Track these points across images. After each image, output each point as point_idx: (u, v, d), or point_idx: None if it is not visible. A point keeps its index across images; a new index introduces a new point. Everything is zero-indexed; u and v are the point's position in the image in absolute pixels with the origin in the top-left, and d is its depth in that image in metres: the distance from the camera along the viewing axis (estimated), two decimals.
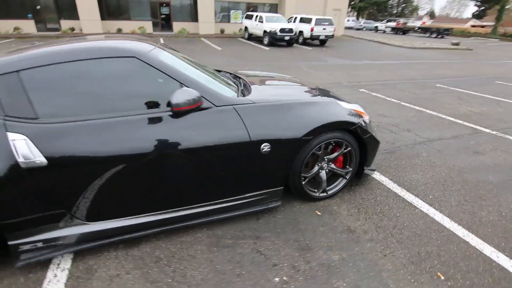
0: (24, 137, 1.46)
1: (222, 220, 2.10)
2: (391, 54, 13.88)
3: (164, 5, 19.11)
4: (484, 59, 13.70)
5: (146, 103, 1.72)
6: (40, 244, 1.64)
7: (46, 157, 1.48)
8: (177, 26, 19.46)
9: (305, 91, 2.54)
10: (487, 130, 4.25)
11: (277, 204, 2.19)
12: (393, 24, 32.24)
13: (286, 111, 2.03)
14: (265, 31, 15.19)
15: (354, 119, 2.24)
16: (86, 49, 1.66)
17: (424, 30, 29.90)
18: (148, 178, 1.73)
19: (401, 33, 31.05)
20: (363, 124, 2.31)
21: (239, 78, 2.66)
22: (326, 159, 2.32)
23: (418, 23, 45.13)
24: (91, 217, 1.72)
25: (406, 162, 3.18)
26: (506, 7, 30.63)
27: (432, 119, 4.65)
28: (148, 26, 18.72)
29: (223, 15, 20.75)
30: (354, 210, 2.32)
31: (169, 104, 1.68)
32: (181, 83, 1.75)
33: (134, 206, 1.79)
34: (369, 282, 1.69)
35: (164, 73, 1.73)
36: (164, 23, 19.52)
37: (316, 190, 2.36)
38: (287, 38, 14.90)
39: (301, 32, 16.23)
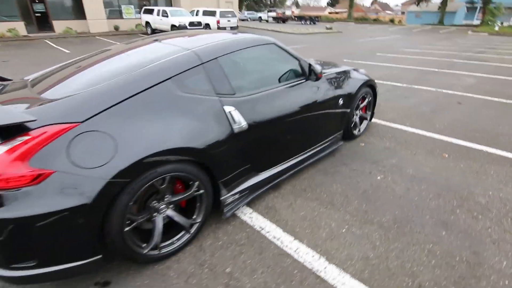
0: (234, 108, 1.91)
1: (313, 162, 2.86)
2: (291, 40, 16.08)
3: (37, 1, 16.11)
4: (354, 38, 17.55)
5: (289, 75, 2.34)
6: (236, 196, 2.10)
7: (247, 122, 1.97)
8: (59, 25, 16.82)
9: (337, 65, 3.48)
10: (400, 84, 6.20)
11: (342, 143, 3.12)
12: (274, 14, 35.98)
13: (344, 76, 2.95)
14: (173, 25, 15.04)
15: (372, 78, 3.35)
16: (248, 39, 2.16)
17: (299, 18, 34.65)
18: (297, 129, 2.37)
19: (281, 22, 35.02)
20: None
21: None
22: (359, 107, 3.36)
23: (288, 12, 51.15)
24: (260, 169, 2.25)
25: (377, 109, 4.58)
26: None
27: None
28: (20, 27, 15.50)
29: (112, 10, 18.99)
30: (379, 138, 3.48)
31: (314, 73, 2.37)
32: (299, 61, 2.43)
33: (283, 156, 2.40)
34: (417, 167, 2.85)
35: (291, 54, 2.38)
36: (40, 22, 16.49)
37: (355, 130, 3.39)
38: None
39: (207, 25, 16.73)
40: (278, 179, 2.41)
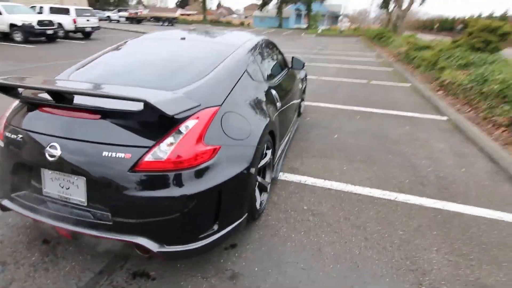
0: (275, 91, 2.49)
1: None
2: None
3: None
4: None
5: (281, 66, 3.04)
6: (277, 161, 2.68)
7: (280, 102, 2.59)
8: None
9: None
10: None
11: (299, 118, 4.10)
12: (126, 14, 33.39)
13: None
14: (13, 25, 11.99)
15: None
16: (260, 38, 2.75)
17: (156, 19, 33.66)
18: (291, 105, 3.11)
19: (136, 22, 32.93)
20: None
21: None
22: None
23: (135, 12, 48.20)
24: (281, 139, 2.88)
25: None
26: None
27: None
28: None
29: None
30: (314, 113, 4.68)
31: (296, 65, 3.15)
32: (282, 55, 3.18)
33: (287, 128, 3.10)
34: (350, 125, 4.18)
35: (279, 51, 3.08)
36: None
37: (301, 109, 4.43)
38: (50, 32, 12.72)
39: (60, 24, 14.15)
40: (286, 147, 3.12)
